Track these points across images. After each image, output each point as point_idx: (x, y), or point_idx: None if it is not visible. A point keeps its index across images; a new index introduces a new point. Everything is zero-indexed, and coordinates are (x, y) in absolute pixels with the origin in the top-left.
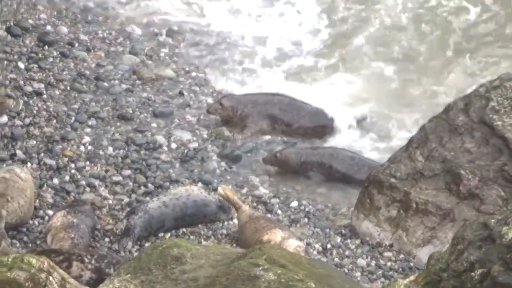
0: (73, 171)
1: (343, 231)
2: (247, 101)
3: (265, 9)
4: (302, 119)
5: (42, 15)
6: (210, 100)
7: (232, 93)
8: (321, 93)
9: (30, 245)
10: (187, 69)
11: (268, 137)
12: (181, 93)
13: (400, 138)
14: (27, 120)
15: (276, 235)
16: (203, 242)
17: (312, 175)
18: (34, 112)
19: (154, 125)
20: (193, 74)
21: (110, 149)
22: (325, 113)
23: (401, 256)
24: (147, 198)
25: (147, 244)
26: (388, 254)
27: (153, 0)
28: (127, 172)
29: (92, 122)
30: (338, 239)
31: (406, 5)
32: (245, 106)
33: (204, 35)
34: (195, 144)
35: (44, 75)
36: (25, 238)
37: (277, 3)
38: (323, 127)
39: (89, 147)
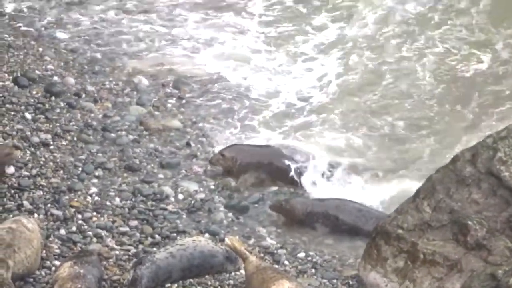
0: (80, 221)
1: (350, 282)
2: (247, 152)
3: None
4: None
5: (49, 66)
6: (216, 150)
7: (235, 143)
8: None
9: None
10: (194, 120)
11: (275, 188)
12: (188, 144)
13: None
14: (34, 171)
15: (283, 286)
16: None
17: (317, 226)
18: (41, 162)
19: (161, 176)
20: (200, 125)
21: (117, 199)
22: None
23: None
24: (154, 249)
25: None
26: None
27: (160, 51)
28: (134, 222)
29: (99, 172)
30: None
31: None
32: (245, 156)
33: (211, 86)
34: (202, 195)
35: (51, 125)
36: None
37: (299, 59)
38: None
39: (96, 198)
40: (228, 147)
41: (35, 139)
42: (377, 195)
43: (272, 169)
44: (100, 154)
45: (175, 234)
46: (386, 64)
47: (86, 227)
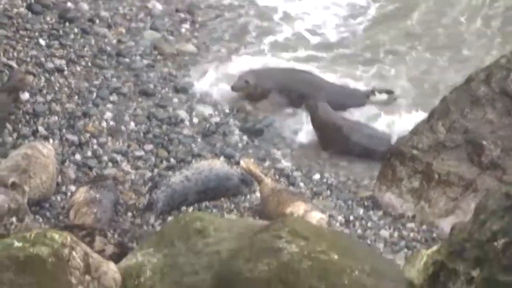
0: (95, 146)
1: (366, 203)
2: (267, 75)
3: None
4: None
5: None
6: (231, 73)
7: (251, 68)
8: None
9: (52, 220)
10: (208, 43)
11: (289, 110)
12: (202, 68)
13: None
14: (49, 97)
15: (299, 208)
16: (226, 215)
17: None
18: (56, 88)
19: (175, 100)
20: (214, 48)
21: (132, 124)
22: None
23: (424, 227)
24: (170, 173)
25: (169, 218)
26: (410, 225)
27: None
28: (149, 147)
29: (113, 98)
30: (361, 210)
31: None
32: (266, 81)
33: (226, 10)
34: (217, 119)
35: (65, 51)
36: (48, 214)
37: None
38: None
39: (111, 123)
40: (249, 72)
41: (50, 65)
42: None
43: (292, 94)
44: (114, 79)
45: (190, 158)
46: None
47: (101, 152)
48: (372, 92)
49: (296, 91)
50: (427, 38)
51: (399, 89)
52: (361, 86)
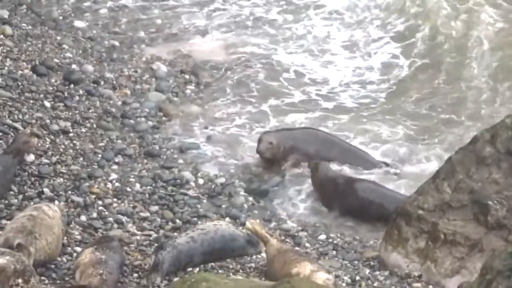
0: (100, 208)
1: (372, 263)
2: (287, 135)
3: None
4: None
5: (68, 54)
6: (236, 133)
7: (267, 130)
8: None
9: (58, 281)
10: (212, 104)
11: (297, 170)
12: (206, 128)
13: None
14: (54, 159)
15: (305, 268)
16: (232, 276)
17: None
18: (61, 150)
19: (181, 161)
20: (219, 109)
21: (137, 185)
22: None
23: (430, 286)
24: (175, 234)
25: (175, 279)
26: (417, 285)
27: (178, 37)
28: (155, 208)
29: (119, 159)
30: (367, 271)
31: None
32: (287, 140)
33: (229, 71)
34: (222, 179)
35: (70, 113)
36: (54, 275)
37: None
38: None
39: (116, 184)
40: (269, 134)
41: (55, 127)
42: None
43: (310, 152)
44: (119, 141)
45: (196, 219)
46: None
47: (106, 213)
48: (385, 164)
49: (314, 149)
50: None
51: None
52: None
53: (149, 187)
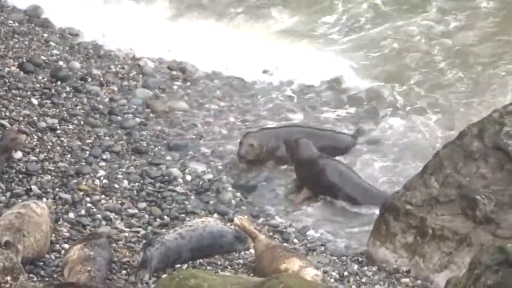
0: (88, 204)
1: (360, 259)
2: (268, 134)
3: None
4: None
5: (55, 51)
6: (224, 131)
7: (248, 132)
8: None
9: (47, 279)
10: (200, 101)
11: (284, 166)
12: (194, 125)
13: None
14: (42, 156)
15: (293, 264)
16: (220, 272)
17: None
18: (49, 147)
19: (168, 158)
20: (206, 105)
21: (125, 182)
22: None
23: (419, 282)
24: (163, 230)
25: (164, 276)
26: (405, 280)
27: (165, 34)
28: (143, 204)
29: (106, 156)
30: (355, 266)
31: None
32: (269, 141)
33: (218, 68)
34: (210, 176)
35: (57, 110)
36: (42, 272)
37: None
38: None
39: (104, 181)
40: (249, 136)
41: (42, 124)
42: None
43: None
44: (107, 138)
45: (184, 215)
46: None
47: (95, 210)
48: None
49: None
50: None
51: None
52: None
53: (137, 183)
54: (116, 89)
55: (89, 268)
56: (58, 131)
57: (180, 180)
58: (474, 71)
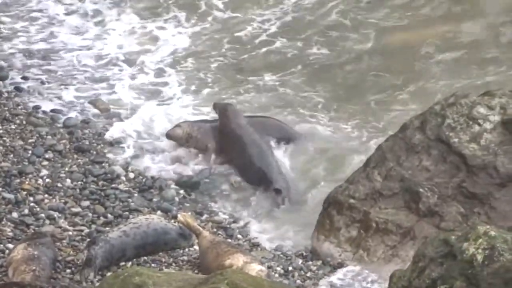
0: (32, 204)
1: (304, 253)
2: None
3: None
4: None
5: None
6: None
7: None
8: None
9: None
10: (143, 96)
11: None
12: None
13: None
14: None
15: (238, 260)
16: (165, 270)
17: None
18: None
19: (111, 155)
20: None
21: (68, 181)
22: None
23: (364, 275)
24: (107, 228)
25: (108, 274)
26: (350, 274)
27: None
28: (86, 203)
29: (49, 155)
30: (299, 261)
31: None
32: (198, 129)
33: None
34: (153, 173)
35: None
36: None
37: None
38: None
39: (47, 180)
40: (183, 122)
41: None
42: None
43: None
44: (49, 137)
45: (127, 213)
46: None
47: (38, 209)
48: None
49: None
50: None
51: None
52: None
53: (80, 182)
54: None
55: (34, 268)
56: (0, 131)
57: (123, 178)
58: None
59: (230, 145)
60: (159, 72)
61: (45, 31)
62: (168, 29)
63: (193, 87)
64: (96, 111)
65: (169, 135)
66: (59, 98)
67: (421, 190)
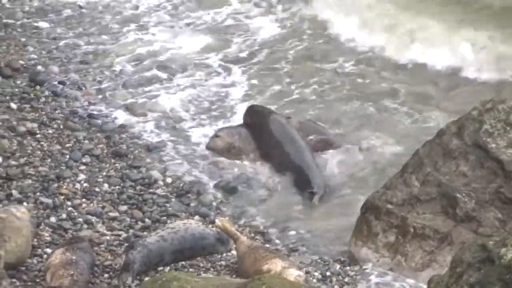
0: (69, 208)
1: (342, 258)
2: (238, 131)
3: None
4: None
5: (33, 55)
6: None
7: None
8: None
9: (29, 283)
10: (179, 102)
11: (264, 166)
12: (173, 127)
13: None
14: (22, 160)
15: (276, 265)
16: (203, 275)
17: None
18: (29, 151)
19: (148, 160)
20: (185, 107)
21: (106, 185)
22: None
23: (401, 281)
24: (145, 233)
25: (146, 279)
26: (387, 279)
27: (142, 36)
28: (124, 207)
29: (86, 159)
30: (337, 266)
31: None
32: (239, 137)
33: (196, 67)
34: (191, 178)
35: (36, 114)
36: (25, 277)
37: None
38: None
39: (85, 185)
40: (220, 129)
41: (22, 129)
42: None
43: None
44: (86, 141)
45: (165, 218)
46: None
47: (76, 214)
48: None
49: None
50: None
51: None
52: None
53: (117, 186)
54: (94, 92)
55: (72, 272)
56: (38, 135)
57: (161, 183)
58: None
59: (269, 145)
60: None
61: (82, 36)
62: None
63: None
64: (133, 116)
65: (210, 147)
66: (96, 103)
67: (458, 195)
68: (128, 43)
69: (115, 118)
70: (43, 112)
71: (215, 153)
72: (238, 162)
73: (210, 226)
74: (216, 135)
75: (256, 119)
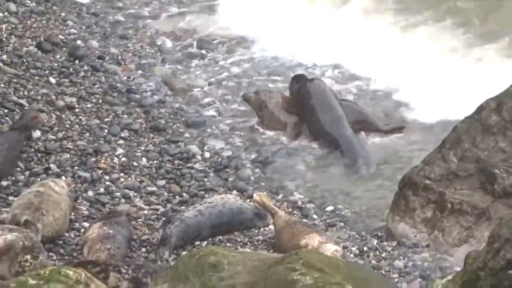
0: (107, 183)
1: (379, 234)
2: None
3: None
4: None
5: (72, 30)
6: (242, 108)
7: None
8: None
9: (66, 257)
10: (218, 78)
11: (302, 141)
12: (213, 102)
13: None
14: (60, 134)
15: (313, 240)
16: (240, 249)
17: None
18: (67, 126)
19: (187, 135)
20: (224, 83)
21: (144, 160)
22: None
23: (438, 256)
24: (183, 207)
25: (183, 253)
26: (424, 254)
27: (183, 12)
28: (162, 182)
29: (125, 134)
30: (375, 241)
31: None
32: (276, 102)
33: (235, 46)
34: (229, 152)
35: (75, 89)
36: (62, 251)
37: None
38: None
39: (123, 159)
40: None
41: (60, 103)
42: None
43: None
44: (125, 116)
45: (203, 192)
46: None
47: (114, 188)
48: None
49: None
50: None
51: None
52: None
53: (155, 161)
54: (134, 67)
55: (109, 246)
56: (77, 110)
57: (199, 157)
58: None
59: (309, 114)
60: None
61: (122, 11)
62: None
63: None
64: (172, 91)
65: (244, 96)
66: (135, 77)
67: (496, 171)
68: (168, 18)
69: (155, 92)
70: (82, 87)
71: (246, 104)
72: (275, 136)
73: (248, 200)
74: (256, 91)
75: (298, 86)
